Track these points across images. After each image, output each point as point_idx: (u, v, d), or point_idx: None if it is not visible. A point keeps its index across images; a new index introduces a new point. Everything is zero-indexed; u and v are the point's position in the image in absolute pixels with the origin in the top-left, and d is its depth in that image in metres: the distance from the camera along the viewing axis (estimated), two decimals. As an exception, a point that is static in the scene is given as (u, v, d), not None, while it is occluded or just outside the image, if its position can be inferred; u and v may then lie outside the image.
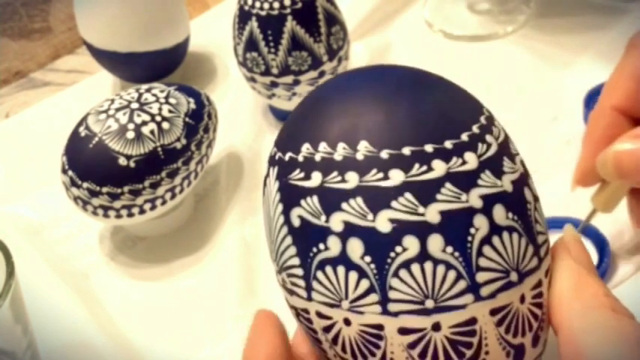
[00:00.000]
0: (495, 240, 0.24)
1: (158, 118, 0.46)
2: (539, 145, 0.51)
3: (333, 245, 0.24)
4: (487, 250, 0.24)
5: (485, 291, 0.24)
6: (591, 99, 0.52)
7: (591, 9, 0.60)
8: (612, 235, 0.44)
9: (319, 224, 0.24)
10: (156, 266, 0.49)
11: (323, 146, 0.25)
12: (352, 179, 0.24)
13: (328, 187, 0.24)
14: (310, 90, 0.30)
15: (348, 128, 0.25)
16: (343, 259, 0.24)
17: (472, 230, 0.24)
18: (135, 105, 0.46)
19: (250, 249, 0.48)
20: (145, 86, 0.48)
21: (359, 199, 0.24)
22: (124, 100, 0.46)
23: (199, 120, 0.48)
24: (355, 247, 0.24)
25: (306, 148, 0.25)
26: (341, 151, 0.25)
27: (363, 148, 0.24)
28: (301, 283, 0.25)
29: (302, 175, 0.25)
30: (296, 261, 0.25)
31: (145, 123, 0.45)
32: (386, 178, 0.24)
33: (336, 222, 0.24)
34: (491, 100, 0.30)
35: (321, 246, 0.24)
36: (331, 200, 0.24)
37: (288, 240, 0.25)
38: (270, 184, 0.27)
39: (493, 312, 0.24)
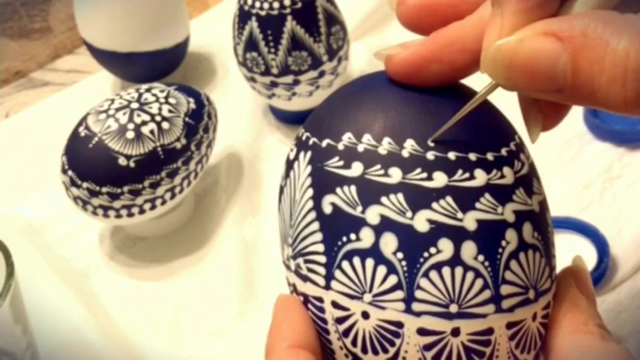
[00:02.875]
0: (522, 256, 0.24)
1: (158, 118, 0.46)
2: (539, 145, 0.50)
3: (366, 237, 0.24)
4: (514, 264, 0.24)
5: (505, 304, 0.24)
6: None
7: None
8: (612, 235, 0.44)
9: (354, 214, 0.24)
10: (156, 266, 0.49)
11: (367, 138, 0.25)
12: (395, 175, 0.24)
13: (369, 179, 0.24)
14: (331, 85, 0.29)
15: (395, 124, 0.25)
16: (374, 252, 0.24)
17: (503, 243, 0.24)
18: (135, 105, 0.46)
19: (250, 249, 0.48)
20: (144, 86, 0.48)
21: (400, 196, 0.24)
22: (123, 100, 0.46)
23: (199, 120, 0.48)
24: (389, 242, 0.24)
25: (347, 138, 0.25)
26: (386, 146, 0.25)
27: (410, 146, 0.25)
28: (321, 270, 0.25)
29: (341, 163, 0.25)
30: (320, 248, 0.25)
31: (144, 123, 0.45)
32: (430, 178, 0.24)
33: (373, 215, 0.24)
34: (490, 100, 0.30)
35: (352, 236, 0.24)
36: (371, 192, 0.24)
37: (315, 226, 0.25)
38: (299, 168, 0.26)
39: (509, 325, 0.24)
